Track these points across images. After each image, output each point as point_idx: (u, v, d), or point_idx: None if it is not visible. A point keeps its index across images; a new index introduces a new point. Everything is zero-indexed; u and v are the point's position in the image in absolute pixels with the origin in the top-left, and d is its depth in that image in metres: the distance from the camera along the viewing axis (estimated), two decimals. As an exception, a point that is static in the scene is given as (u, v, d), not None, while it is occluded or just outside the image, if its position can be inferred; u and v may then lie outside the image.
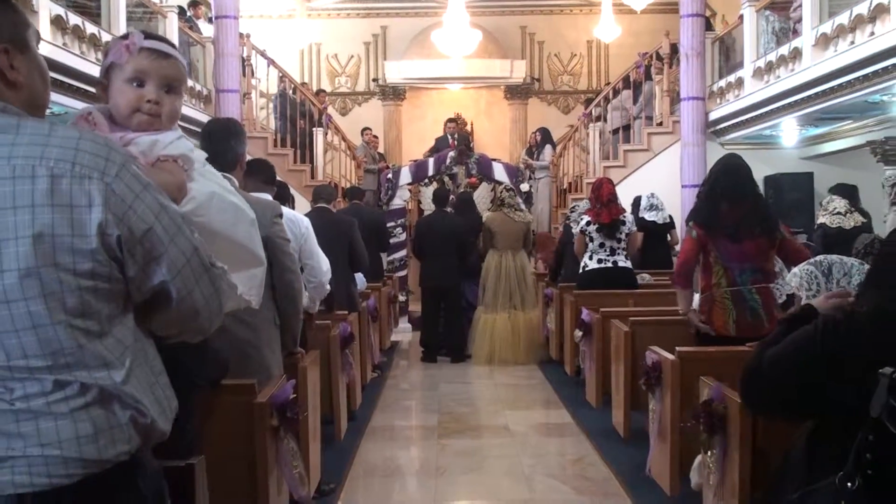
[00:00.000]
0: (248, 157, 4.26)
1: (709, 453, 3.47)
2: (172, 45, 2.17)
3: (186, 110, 10.84)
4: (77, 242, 1.52)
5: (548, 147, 13.78)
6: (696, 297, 5.58)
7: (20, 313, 1.50)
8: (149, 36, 2.09)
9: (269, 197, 4.19)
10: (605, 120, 13.25)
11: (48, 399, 1.52)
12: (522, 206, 10.20)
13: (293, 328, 3.87)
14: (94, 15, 8.51)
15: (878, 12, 7.30)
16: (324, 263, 4.87)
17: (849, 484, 1.85)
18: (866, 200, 8.35)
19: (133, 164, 1.65)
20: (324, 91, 15.41)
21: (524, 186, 11.86)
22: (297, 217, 4.85)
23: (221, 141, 3.63)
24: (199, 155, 2.28)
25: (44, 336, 1.51)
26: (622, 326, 5.43)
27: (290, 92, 13.19)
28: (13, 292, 1.50)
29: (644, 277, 8.05)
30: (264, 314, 3.66)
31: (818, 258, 3.58)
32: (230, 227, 2.37)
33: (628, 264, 7.41)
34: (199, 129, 10.96)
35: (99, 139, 1.63)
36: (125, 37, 2.07)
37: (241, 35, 12.10)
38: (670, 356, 4.23)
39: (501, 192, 9.59)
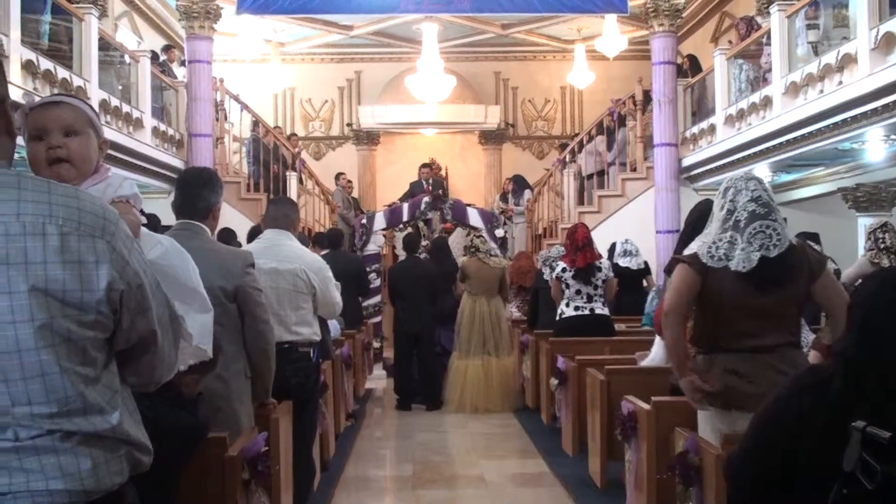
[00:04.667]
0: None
1: (685, 505, 3.46)
2: (70, 95, 2.26)
3: (159, 155, 10.84)
4: (86, 296, 1.61)
5: (526, 192, 13.89)
6: (657, 348, 5.54)
7: (31, 362, 1.57)
8: (44, 99, 2.20)
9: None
10: (575, 162, 13.39)
11: (52, 437, 1.60)
12: (497, 252, 10.24)
13: (265, 379, 3.84)
14: (66, 58, 8.53)
15: (846, 62, 7.48)
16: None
17: (825, 539, 1.86)
18: (837, 247, 8.47)
19: (123, 222, 1.72)
20: (295, 135, 15.46)
21: (499, 232, 11.92)
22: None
23: (193, 189, 3.64)
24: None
25: (50, 384, 1.58)
26: (598, 375, 5.43)
27: (263, 136, 13.23)
28: (26, 342, 1.56)
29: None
30: (235, 366, 3.64)
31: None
32: (185, 273, 2.44)
33: (606, 311, 7.43)
34: (172, 175, 10.96)
35: (93, 198, 1.70)
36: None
37: (214, 79, 12.17)
38: (646, 406, 4.23)
39: (472, 239, 9.58)
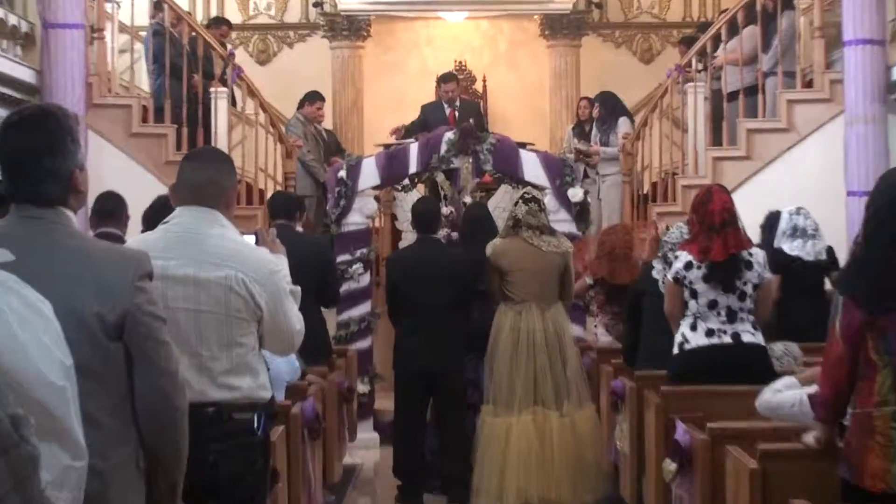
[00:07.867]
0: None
1: None
2: None
3: (-6, 61, 10.85)
4: None
5: (622, 121, 13.81)
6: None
7: None
8: None
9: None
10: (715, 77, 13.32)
11: None
12: (563, 225, 10.17)
13: (171, 471, 3.83)
14: None
15: None
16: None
17: None
18: None
19: None
20: (226, 23, 15.42)
21: (575, 192, 11.85)
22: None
23: (25, 154, 3.54)
24: None
25: None
26: (746, 460, 5.39)
27: (173, 26, 13.19)
28: None
29: (787, 353, 7.86)
30: (120, 451, 3.62)
31: None
32: (35, 369, 2.41)
33: (759, 339, 7.35)
34: (16, 95, 10.93)
35: None
36: None
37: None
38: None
39: (518, 203, 9.46)
